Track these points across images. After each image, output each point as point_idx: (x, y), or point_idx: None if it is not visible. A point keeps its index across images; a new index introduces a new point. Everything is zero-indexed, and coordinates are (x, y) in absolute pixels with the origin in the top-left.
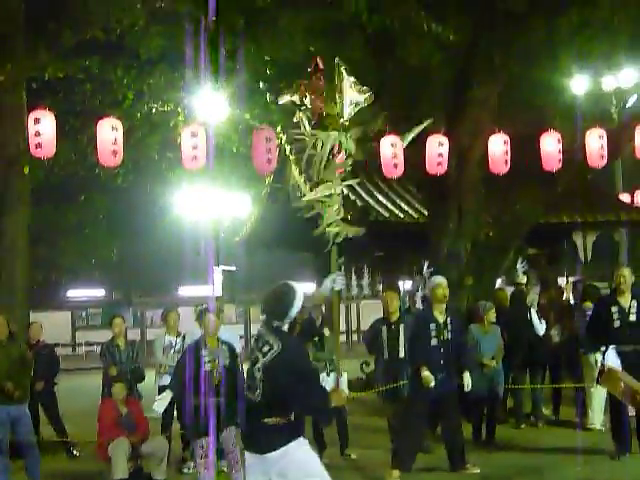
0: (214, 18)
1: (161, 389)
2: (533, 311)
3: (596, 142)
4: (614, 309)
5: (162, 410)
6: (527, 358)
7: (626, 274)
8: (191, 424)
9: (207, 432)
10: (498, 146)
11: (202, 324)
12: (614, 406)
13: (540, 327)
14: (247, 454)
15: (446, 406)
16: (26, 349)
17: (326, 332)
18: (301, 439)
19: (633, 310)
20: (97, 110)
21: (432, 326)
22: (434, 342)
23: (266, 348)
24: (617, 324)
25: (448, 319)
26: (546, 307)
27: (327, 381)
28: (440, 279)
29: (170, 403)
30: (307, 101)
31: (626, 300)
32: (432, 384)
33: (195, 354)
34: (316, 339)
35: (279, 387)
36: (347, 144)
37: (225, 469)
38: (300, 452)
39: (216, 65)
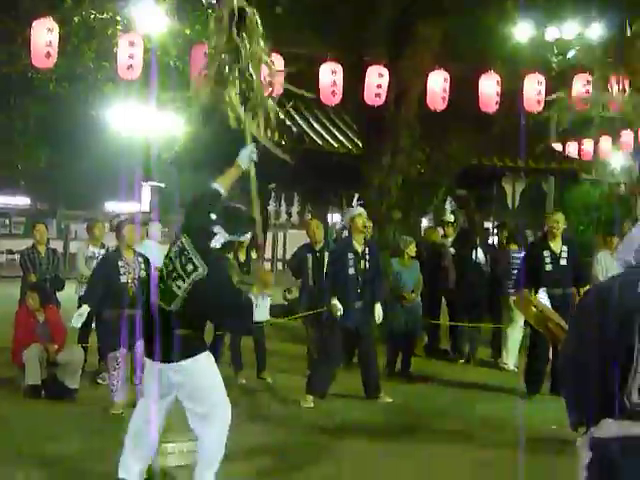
0: None
1: (81, 299)
2: (480, 250)
3: (534, 87)
4: (546, 253)
5: (79, 324)
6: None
7: (559, 219)
8: (105, 336)
9: (121, 344)
10: (437, 83)
11: (118, 235)
12: (532, 350)
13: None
14: (148, 361)
15: (363, 336)
16: None
17: (253, 255)
18: (205, 354)
19: (564, 255)
20: (33, 11)
21: (350, 255)
22: (351, 271)
23: (190, 267)
24: (549, 267)
25: (366, 249)
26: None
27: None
28: (359, 209)
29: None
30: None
31: (557, 245)
32: (339, 313)
33: (112, 264)
34: (243, 262)
35: (202, 305)
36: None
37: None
38: (201, 368)
39: None
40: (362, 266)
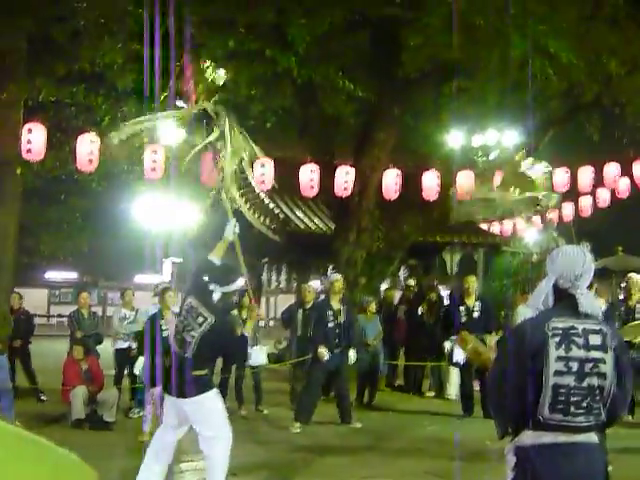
0: (177, 63)
1: (116, 352)
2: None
3: (465, 180)
4: (462, 308)
5: (138, 371)
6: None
7: (471, 280)
8: (148, 376)
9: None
10: (391, 178)
11: (161, 299)
12: (463, 380)
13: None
14: (168, 397)
15: (339, 374)
16: (6, 311)
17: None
18: (214, 391)
19: (476, 309)
20: (79, 128)
21: (329, 312)
22: (331, 325)
23: (201, 320)
24: (464, 319)
25: (342, 307)
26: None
27: (252, 351)
28: (337, 276)
29: (123, 362)
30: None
31: (471, 300)
32: (325, 358)
33: (155, 323)
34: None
35: (211, 346)
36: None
37: None
38: (210, 402)
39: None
40: (339, 320)
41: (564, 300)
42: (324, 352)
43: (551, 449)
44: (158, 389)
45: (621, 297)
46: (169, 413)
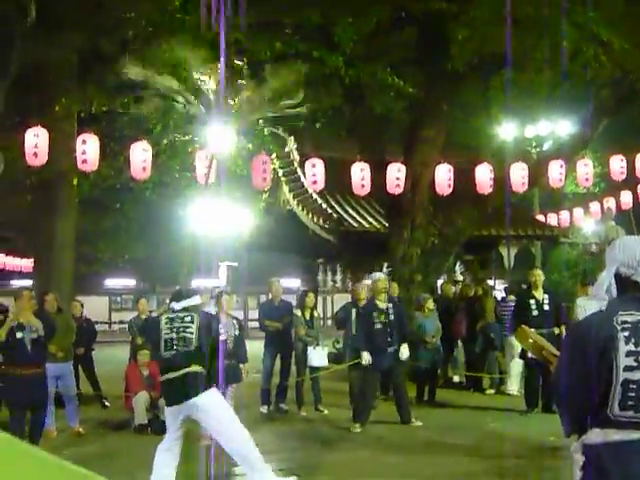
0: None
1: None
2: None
3: (519, 173)
4: (531, 301)
5: None
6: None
7: (539, 273)
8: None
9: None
10: (444, 174)
11: (217, 303)
12: (528, 375)
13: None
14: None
15: (395, 373)
16: (70, 319)
17: (315, 314)
18: (214, 389)
19: (546, 302)
20: (132, 137)
21: (375, 313)
22: (378, 325)
23: (188, 318)
24: (535, 313)
25: (390, 305)
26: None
27: (314, 352)
28: (379, 275)
29: None
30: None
31: (540, 294)
32: (366, 361)
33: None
34: (308, 319)
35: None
36: None
37: None
38: (212, 398)
39: (227, 107)
40: (387, 319)
41: (629, 291)
42: (366, 356)
43: (623, 447)
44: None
45: None
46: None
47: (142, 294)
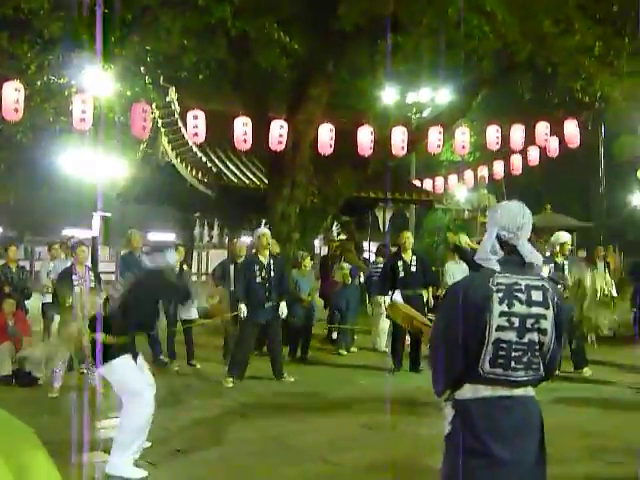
0: (106, 10)
1: (43, 305)
2: None
3: (399, 137)
4: (400, 263)
5: None
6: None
7: (408, 235)
8: None
9: None
10: (325, 133)
11: (74, 254)
12: (394, 334)
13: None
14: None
15: (271, 329)
16: None
17: (185, 268)
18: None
19: (414, 263)
20: (4, 76)
21: (256, 267)
22: (258, 280)
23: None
24: (402, 274)
25: (271, 261)
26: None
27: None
28: (264, 230)
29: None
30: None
31: (408, 256)
32: (243, 314)
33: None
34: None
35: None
36: None
37: None
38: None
39: (107, 49)
40: (267, 274)
41: (507, 254)
42: (243, 308)
43: (490, 402)
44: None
45: (547, 254)
46: None
47: (12, 242)
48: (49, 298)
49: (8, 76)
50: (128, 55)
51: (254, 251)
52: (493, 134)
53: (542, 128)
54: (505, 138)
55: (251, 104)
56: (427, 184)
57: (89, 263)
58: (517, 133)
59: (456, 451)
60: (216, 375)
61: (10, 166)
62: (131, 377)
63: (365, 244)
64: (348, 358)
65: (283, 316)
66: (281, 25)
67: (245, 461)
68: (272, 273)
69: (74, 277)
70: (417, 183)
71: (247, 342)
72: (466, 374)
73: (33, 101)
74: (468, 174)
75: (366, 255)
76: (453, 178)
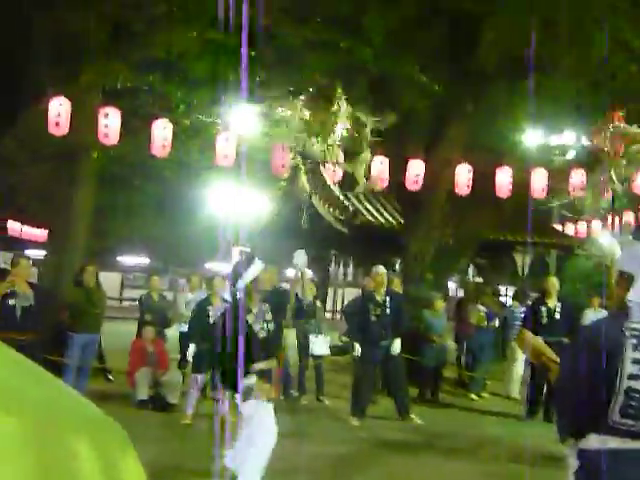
0: (253, 52)
1: (181, 334)
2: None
3: (540, 179)
4: (543, 308)
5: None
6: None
7: (553, 281)
8: (194, 362)
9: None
10: (463, 174)
11: (209, 286)
12: (531, 381)
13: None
14: None
15: (392, 367)
16: (104, 294)
17: (318, 304)
18: None
19: (558, 310)
20: (154, 114)
21: (371, 306)
22: (373, 318)
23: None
24: (545, 320)
25: (387, 299)
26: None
27: (315, 341)
28: (380, 268)
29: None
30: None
31: (552, 302)
32: (355, 353)
33: (204, 309)
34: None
35: None
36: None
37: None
38: None
39: (251, 89)
40: (382, 312)
41: None
42: (357, 347)
43: (619, 455)
44: (200, 376)
45: None
46: None
47: (155, 272)
48: (185, 327)
49: (158, 115)
50: (272, 95)
51: (371, 289)
52: None
53: None
54: None
55: (388, 143)
56: (569, 229)
57: (226, 295)
58: None
59: None
60: (343, 412)
61: (158, 201)
62: (263, 410)
63: (502, 288)
64: (479, 403)
65: (395, 353)
66: (420, 66)
67: None
68: (388, 311)
69: (209, 308)
70: (558, 227)
71: (364, 381)
72: (593, 423)
73: (180, 139)
74: (613, 219)
75: (502, 299)
76: (597, 223)
